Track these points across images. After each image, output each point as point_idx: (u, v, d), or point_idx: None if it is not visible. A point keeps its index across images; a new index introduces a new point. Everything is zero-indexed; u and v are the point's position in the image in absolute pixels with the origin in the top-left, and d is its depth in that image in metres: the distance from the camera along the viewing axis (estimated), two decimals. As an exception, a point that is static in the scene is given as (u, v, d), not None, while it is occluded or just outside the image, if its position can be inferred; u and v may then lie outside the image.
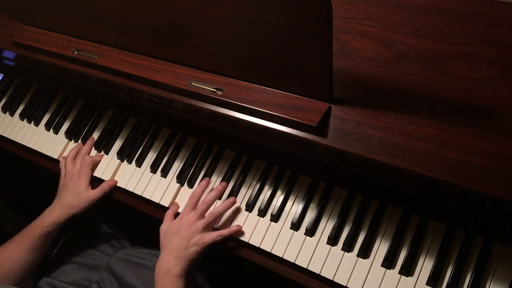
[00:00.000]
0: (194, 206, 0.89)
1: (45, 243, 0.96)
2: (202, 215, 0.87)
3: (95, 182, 1.05)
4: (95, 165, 1.04)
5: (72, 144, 1.10)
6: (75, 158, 1.05)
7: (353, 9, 0.79)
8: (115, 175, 1.03)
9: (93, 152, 1.07)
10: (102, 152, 1.06)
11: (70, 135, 1.11)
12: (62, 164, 1.06)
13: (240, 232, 0.87)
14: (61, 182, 1.03)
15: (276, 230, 0.85)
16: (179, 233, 0.85)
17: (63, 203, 0.97)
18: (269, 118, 0.74)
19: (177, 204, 0.94)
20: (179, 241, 0.84)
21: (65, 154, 1.09)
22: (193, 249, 0.83)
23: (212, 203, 0.90)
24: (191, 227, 0.84)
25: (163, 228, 0.89)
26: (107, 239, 1.09)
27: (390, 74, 0.72)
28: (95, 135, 1.09)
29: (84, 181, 0.99)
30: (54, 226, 0.95)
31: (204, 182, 0.93)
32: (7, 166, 1.44)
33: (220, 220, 0.89)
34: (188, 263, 0.83)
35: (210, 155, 0.97)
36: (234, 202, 0.89)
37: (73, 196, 0.97)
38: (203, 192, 0.92)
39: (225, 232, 0.86)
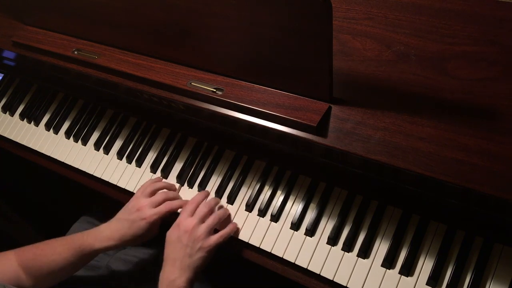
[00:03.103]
0: (193, 212, 0.84)
1: (85, 262, 0.88)
2: (203, 220, 0.83)
3: (96, 181, 1.05)
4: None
5: (71, 143, 1.10)
6: (155, 196, 0.91)
7: (353, 9, 0.79)
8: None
9: (93, 152, 1.07)
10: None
11: (70, 135, 1.11)
12: (142, 191, 0.92)
13: (235, 228, 0.86)
14: (130, 205, 0.91)
15: (276, 230, 0.85)
16: (180, 240, 0.80)
17: (122, 238, 0.86)
18: (269, 118, 0.74)
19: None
20: (182, 249, 0.79)
21: (66, 154, 1.09)
22: (198, 256, 0.79)
23: (215, 206, 0.86)
24: (192, 233, 0.80)
25: (167, 235, 0.84)
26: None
27: (390, 74, 0.72)
28: (95, 135, 1.09)
29: (150, 225, 0.87)
30: (102, 251, 0.87)
31: (205, 192, 0.90)
32: (7, 166, 1.44)
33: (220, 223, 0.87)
34: (193, 272, 0.79)
35: (210, 155, 0.97)
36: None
37: (133, 235, 0.86)
38: (203, 200, 0.88)
39: (226, 230, 0.84)
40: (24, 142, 1.15)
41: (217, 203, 0.88)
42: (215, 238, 0.82)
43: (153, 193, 0.91)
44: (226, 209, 0.88)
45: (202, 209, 0.84)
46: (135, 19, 0.83)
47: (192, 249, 0.79)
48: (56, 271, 0.84)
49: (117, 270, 0.99)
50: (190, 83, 0.81)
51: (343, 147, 0.68)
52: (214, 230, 0.85)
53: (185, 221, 0.82)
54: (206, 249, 0.80)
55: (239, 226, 0.87)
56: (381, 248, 0.78)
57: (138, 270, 0.99)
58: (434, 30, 0.73)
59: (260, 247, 0.84)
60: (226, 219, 0.88)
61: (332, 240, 0.80)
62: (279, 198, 0.87)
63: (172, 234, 0.83)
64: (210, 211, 0.85)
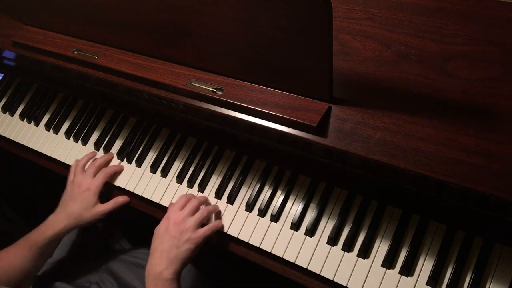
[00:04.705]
0: (182, 206, 0.86)
1: (47, 252, 0.92)
2: (192, 213, 0.84)
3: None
4: (112, 176, 1.00)
5: (71, 143, 1.10)
6: (85, 166, 0.99)
7: (353, 9, 0.79)
8: (115, 175, 1.03)
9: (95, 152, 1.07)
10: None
11: (70, 135, 1.11)
12: (72, 169, 1.00)
13: (222, 222, 0.88)
14: (68, 188, 0.97)
15: (276, 230, 0.85)
16: (168, 232, 0.81)
17: (70, 214, 0.91)
18: (269, 118, 0.74)
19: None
20: (169, 240, 0.80)
21: (66, 154, 1.09)
22: (185, 247, 0.80)
23: (204, 202, 0.89)
24: (181, 225, 0.81)
25: (155, 229, 0.85)
26: (107, 240, 1.09)
27: (390, 74, 0.72)
28: (95, 135, 1.09)
29: (96, 194, 0.94)
30: (58, 236, 0.91)
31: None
32: (7, 166, 1.44)
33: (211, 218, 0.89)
34: (181, 264, 0.79)
35: (210, 155, 0.97)
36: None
37: (81, 208, 0.91)
38: (193, 196, 0.90)
39: (214, 224, 0.85)
40: (24, 142, 1.15)
41: (207, 200, 0.90)
42: (203, 230, 0.83)
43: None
44: (216, 205, 0.89)
45: (192, 203, 0.85)
46: (135, 19, 0.83)
47: (179, 241, 0.80)
48: (21, 272, 0.87)
49: (116, 270, 0.99)
50: (190, 83, 0.81)
51: (343, 147, 0.68)
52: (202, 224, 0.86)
53: (174, 214, 0.84)
54: (194, 241, 0.81)
55: (239, 226, 0.87)
56: (381, 248, 0.78)
57: (137, 270, 0.99)
58: (434, 30, 0.73)
59: (260, 247, 0.84)
60: (216, 215, 0.89)
61: (332, 240, 0.80)
62: (279, 198, 0.87)
63: (161, 227, 0.84)
64: (200, 206, 0.87)
